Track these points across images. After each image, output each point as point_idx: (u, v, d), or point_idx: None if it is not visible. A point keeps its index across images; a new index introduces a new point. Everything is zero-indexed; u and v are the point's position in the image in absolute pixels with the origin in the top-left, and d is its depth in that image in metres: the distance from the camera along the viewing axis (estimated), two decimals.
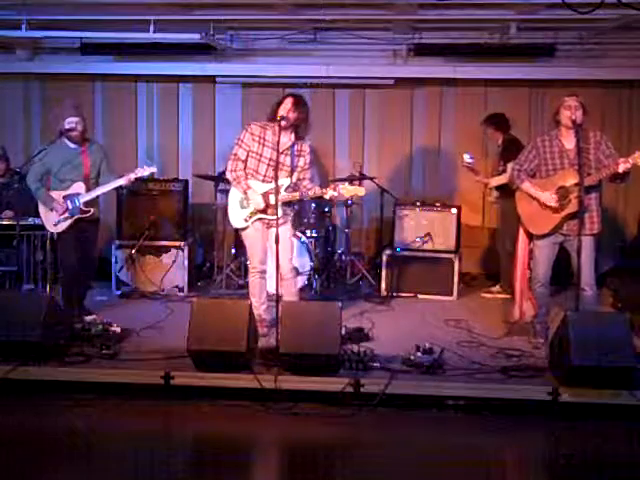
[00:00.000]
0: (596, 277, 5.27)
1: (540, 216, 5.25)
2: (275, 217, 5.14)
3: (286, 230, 5.49)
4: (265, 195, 5.39)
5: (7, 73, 8.07)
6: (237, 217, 5.53)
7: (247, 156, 5.41)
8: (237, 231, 7.14)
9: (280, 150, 5.25)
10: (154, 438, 4.26)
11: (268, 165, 5.37)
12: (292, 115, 5.29)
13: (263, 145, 5.38)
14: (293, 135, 5.41)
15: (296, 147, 5.45)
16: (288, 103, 5.32)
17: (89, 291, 6.23)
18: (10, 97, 8.29)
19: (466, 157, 6.89)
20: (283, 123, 5.27)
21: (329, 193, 5.40)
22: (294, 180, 5.45)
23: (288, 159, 5.42)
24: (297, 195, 5.45)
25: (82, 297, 6.04)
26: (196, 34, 6.95)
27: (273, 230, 5.20)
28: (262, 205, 5.38)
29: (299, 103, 5.34)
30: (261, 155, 5.39)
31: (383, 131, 8.11)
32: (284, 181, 5.38)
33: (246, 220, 5.49)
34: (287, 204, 5.51)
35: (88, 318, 5.73)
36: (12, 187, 6.85)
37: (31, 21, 6.85)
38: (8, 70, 8.02)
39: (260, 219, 5.46)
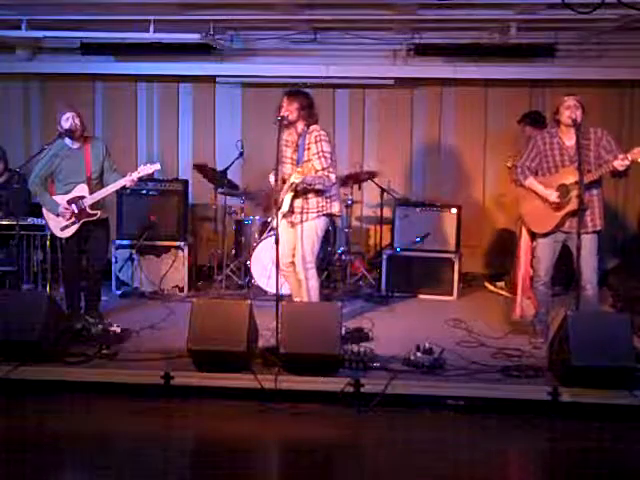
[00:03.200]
0: (598, 275, 5.27)
1: (541, 215, 5.25)
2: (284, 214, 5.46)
3: (304, 229, 5.53)
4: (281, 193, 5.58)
5: (7, 73, 8.07)
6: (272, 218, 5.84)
7: (282, 160, 5.60)
8: (237, 229, 7.27)
9: (293, 148, 5.52)
10: (154, 438, 4.26)
11: (289, 164, 5.59)
12: (291, 109, 5.44)
13: (287, 146, 5.62)
14: (300, 127, 5.53)
15: (305, 141, 5.50)
16: (284, 101, 5.49)
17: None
18: (10, 97, 8.29)
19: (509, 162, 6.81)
20: (285, 122, 5.40)
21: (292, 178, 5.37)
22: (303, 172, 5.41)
23: (296, 154, 5.55)
24: (299, 182, 5.35)
25: (96, 304, 6.00)
26: (196, 34, 6.95)
27: (295, 229, 5.53)
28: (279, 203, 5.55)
29: (292, 96, 5.51)
30: (285, 156, 5.62)
31: (383, 131, 8.11)
32: (294, 177, 5.38)
33: (273, 219, 5.79)
34: (312, 203, 5.52)
35: (105, 322, 5.66)
36: (11, 187, 6.85)
37: (31, 21, 6.86)
38: (8, 70, 8.02)
39: (284, 217, 5.57)
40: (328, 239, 7.24)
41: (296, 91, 5.62)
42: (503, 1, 6.24)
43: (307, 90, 5.78)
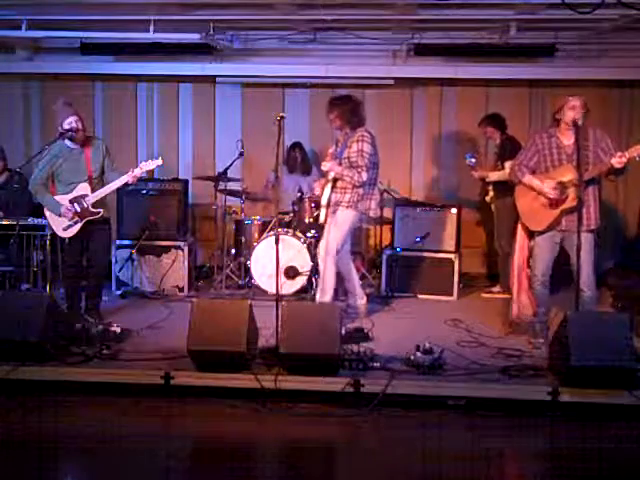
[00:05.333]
0: (596, 276, 5.26)
1: (538, 211, 5.26)
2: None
3: (335, 217, 5.81)
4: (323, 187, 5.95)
5: (7, 73, 8.08)
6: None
7: None
8: (237, 229, 7.27)
9: (339, 146, 5.90)
10: (154, 438, 4.26)
11: None
12: (332, 117, 5.85)
13: (337, 145, 6.01)
14: (346, 131, 5.84)
15: (349, 139, 5.79)
16: (330, 114, 5.86)
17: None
18: (10, 97, 8.29)
19: (468, 159, 6.93)
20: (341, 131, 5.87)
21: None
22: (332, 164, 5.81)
23: (341, 151, 5.82)
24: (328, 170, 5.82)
25: (96, 304, 5.99)
26: (196, 34, 6.95)
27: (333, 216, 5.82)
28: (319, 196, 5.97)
29: (331, 105, 5.87)
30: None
31: (383, 131, 8.09)
32: (323, 164, 5.93)
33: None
34: (347, 197, 5.79)
35: (105, 322, 5.66)
36: (11, 187, 6.85)
37: (31, 21, 6.86)
38: (8, 70, 8.03)
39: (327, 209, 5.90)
40: None
41: (336, 99, 5.96)
42: (503, 1, 6.25)
43: (347, 93, 6.24)
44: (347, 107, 5.83)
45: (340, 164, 5.77)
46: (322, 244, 5.89)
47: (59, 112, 5.70)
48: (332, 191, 5.82)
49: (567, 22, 6.66)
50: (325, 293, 5.80)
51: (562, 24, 6.85)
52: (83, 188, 5.71)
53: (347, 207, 5.80)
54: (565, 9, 5.13)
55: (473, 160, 6.94)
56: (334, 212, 5.83)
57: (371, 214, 5.98)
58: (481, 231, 7.96)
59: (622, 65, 7.47)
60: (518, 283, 5.57)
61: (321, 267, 5.87)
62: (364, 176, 5.73)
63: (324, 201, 5.83)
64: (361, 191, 5.80)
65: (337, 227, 5.81)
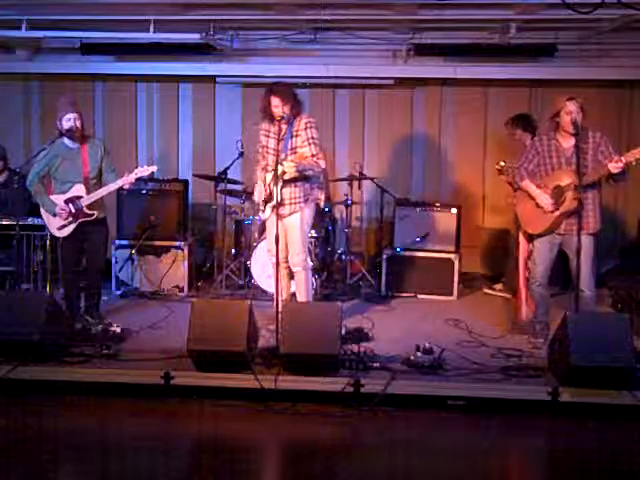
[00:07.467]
0: (596, 277, 5.26)
1: (537, 215, 5.26)
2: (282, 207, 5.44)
3: (296, 220, 5.53)
4: (269, 185, 5.52)
5: (7, 73, 8.07)
6: (261, 209, 5.72)
7: (263, 152, 5.63)
8: (237, 229, 7.28)
9: (277, 138, 5.38)
10: (154, 438, 4.26)
11: (273, 155, 5.43)
12: (286, 108, 5.36)
13: (268, 137, 5.55)
14: (288, 117, 5.44)
15: (293, 128, 5.46)
16: (277, 102, 5.35)
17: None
18: (10, 97, 8.29)
19: (501, 164, 6.78)
20: (284, 121, 5.40)
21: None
22: (296, 160, 5.39)
23: (286, 143, 5.46)
24: (293, 171, 5.35)
25: (96, 303, 5.99)
26: (196, 34, 6.95)
27: (285, 221, 5.50)
28: (266, 195, 5.56)
29: (283, 94, 5.37)
30: (267, 147, 5.57)
31: (383, 131, 8.11)
32: (288, 166, 5.36)
33: (263, 211, 5.65)
34: (299, 192, 5.50)
35: (105, 322, 5.68)
36: (11, 187, 6.84)
37: (31, 21, 6.86)
38: (8, 70, 8.02)
39: (272, 210, 5.52)
40: (328, 239, 7.26)
41: (283, 88, 5.46)
42: (503, 1, 6.24)
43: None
44: (292, 93, 5.44)
45: (287, 156, 5.41)
46: (293, 248, 5.57)
47: (61, 109, 5.69)
48: (282, 187, 5.43)
49: (567, 22, 6.65)
50: (309, 294, 5.70)
51: (562, 24, 6.84)
52: (78, 189, 5.70)
53: (305, 203, 5.54)
54: (565, 9, 5.12)
55: (502, 163, 6.78)
56: (292, 212, 5.51)
57: (321, 204, 5.78)
58: (481, 231, 7.97)
59: (622, 65, 7.46)
60: (522, 286, 5.58)
61: (300, 271, 5.61)
62: (322, 164, 5.48)
63: (274, 200, 5.42)
64: (312, 183, 5.57)
65: (302, 226, 5.55)
